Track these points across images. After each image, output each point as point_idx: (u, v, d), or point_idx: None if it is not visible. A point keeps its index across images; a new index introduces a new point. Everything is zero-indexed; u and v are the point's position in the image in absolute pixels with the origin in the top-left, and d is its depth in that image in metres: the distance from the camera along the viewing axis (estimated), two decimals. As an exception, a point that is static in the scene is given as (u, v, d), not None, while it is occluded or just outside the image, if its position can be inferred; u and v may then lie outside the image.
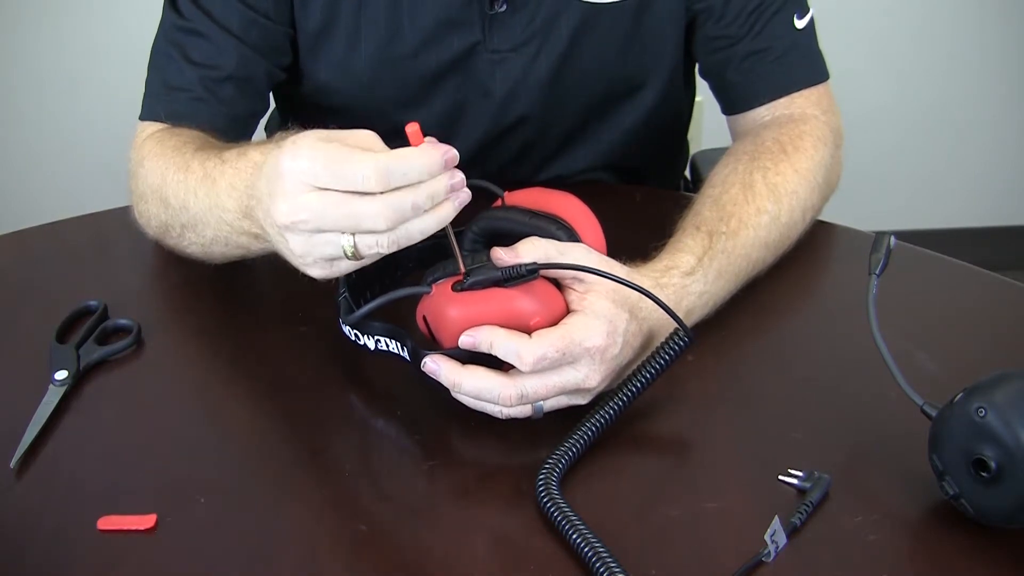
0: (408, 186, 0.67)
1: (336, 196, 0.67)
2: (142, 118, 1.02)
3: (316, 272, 0.73)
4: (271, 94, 1.12)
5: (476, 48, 1.03)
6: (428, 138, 0.69)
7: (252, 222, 0.79)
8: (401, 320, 0.77)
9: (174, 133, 0.97)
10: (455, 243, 0.73)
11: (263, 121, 1.21)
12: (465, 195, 0.70)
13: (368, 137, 0.70)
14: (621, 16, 1.03)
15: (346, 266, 0.72)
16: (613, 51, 1.05)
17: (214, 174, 0.84)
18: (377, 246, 0.68)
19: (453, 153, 0.68)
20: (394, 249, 0.69)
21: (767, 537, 0.65)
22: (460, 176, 0.69)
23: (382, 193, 0.66)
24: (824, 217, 1.00)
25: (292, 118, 1.15)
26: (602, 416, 0.74)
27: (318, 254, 0.70)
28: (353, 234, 0.68)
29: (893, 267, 0.76)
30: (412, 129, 0.69)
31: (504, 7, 1.01)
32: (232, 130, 1.00)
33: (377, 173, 0.66)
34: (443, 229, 0.72)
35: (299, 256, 0.72)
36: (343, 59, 1.03)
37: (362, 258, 0.70)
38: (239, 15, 1.00)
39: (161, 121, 1.00)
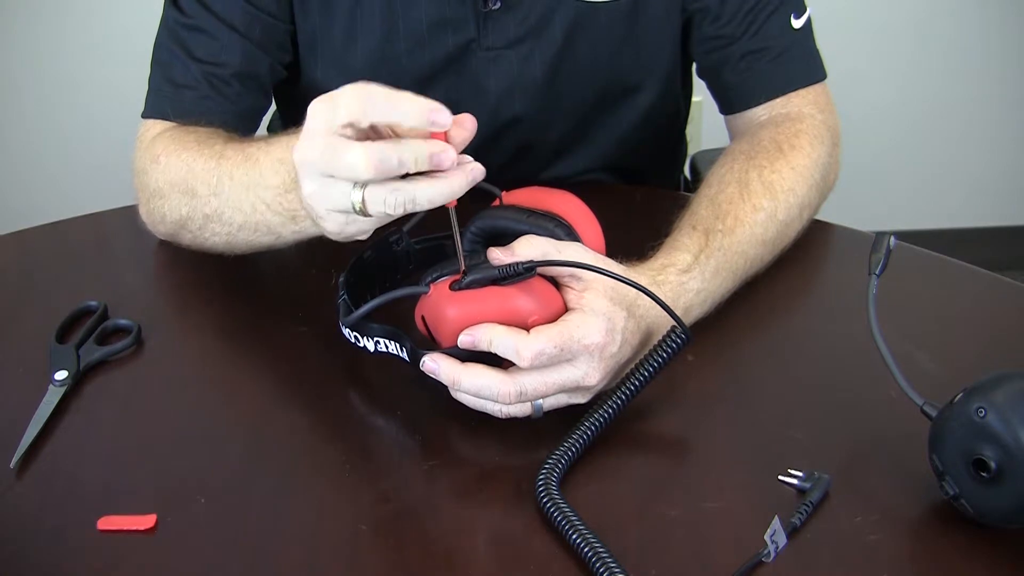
0: (395, 141, 0.67)
1: (335, 140, 0.67)
2: (145, 115, 1.02)
3: (332, 227, 0.72)
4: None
5: (470, 46, 1.03)
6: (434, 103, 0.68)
7: (293, 197, 0.79)
8: (400, 321, 0.77)
9: (189, 130, 0.97)
10: (459, 240, 0.73)
11: (266, 121, 1.21)
12: (478, 171, 0.69)
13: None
14: (616, 15, 1.03)
15: (359, 225, 0.71)
16: (608, 50, 1.05)
17: (258, 155, 0.85)
18: (384, 204, 0.68)
19: (445, 115, 0.67)
20: (400, 212, 0.68)
21: (767, 537, 0.65)
22: (456, 153, 0.68)
23: (372, 143, 0.66)
24: (823, 217, 1.00)
25: (292, 117, 1.15)
26: (601, 415, 0.74)
27: (330, 203, 0.70)
28: (362, 188, 0.68)
29: (893, 267, 0.76)
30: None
31: (498, 5, 1.01)
32: (238, 126, 1.00)
33: (357, 99, 0.66)
34: (449, 226, 0.72)
35: (312, 200, 0.71)
36: (340, 57, 1.03)
37: (370, 215, 0.69)
38: (242, 11, 1.00)
39: (167, 119, 1.00)
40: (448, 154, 0.68)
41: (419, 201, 0.68)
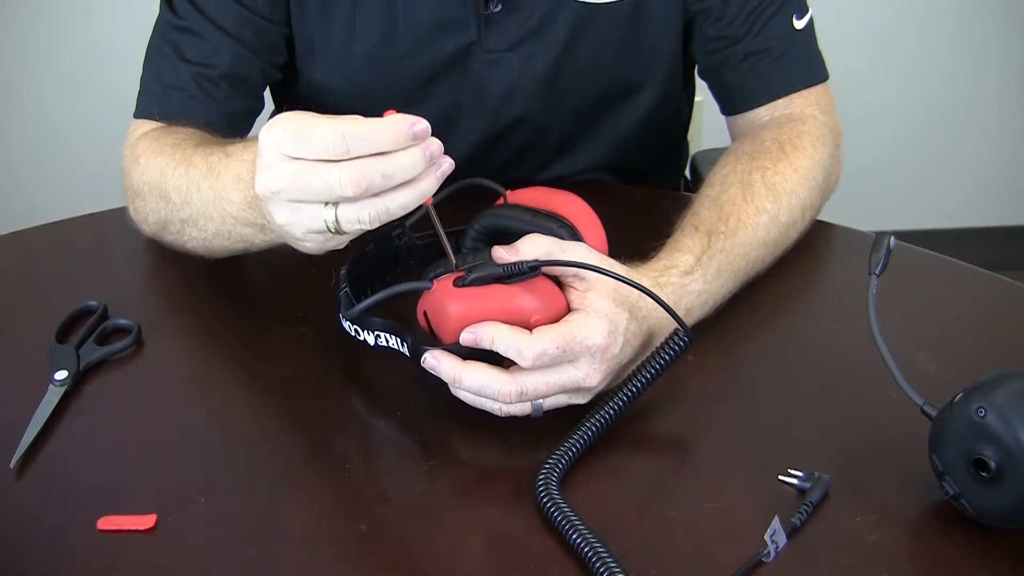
0: (377, 155, 0.66)
1: (307, 164, 0.67)
2: (136, 115, 1.02)
3: (311, 247, 0.73)
4: (270, 94, 1.12)
5: (471, 48, 1.03)
6: (397, 113, 0.68)
7: (257, 212, 0.79)
8: (402, 316, 0.77)
9: (169, 131, 0.97)
10: (444, 238, 0.73)
11: (264, 122, 1.21)
12: (447, 165, 0.69)
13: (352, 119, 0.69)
14: (618, 16, 1.03)
15: (337, 241, 0.72)
16: (610, 51, 1.05)
17: (218, 168, 0.84)
18: (359, 222, 0.67)
19: (423, 124, 0.67)
20: (376, 225, 0.68)
21: (767, 537, 0.65)
22: (436, 145, 0.68)
23: (350, 160, 0.66)
24: (824, 217, 1.00)
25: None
26: (602, 416, 0.74)
27: (304, 226, 0.70)
28: (334, 207, 0.67)
29: (893, 267, 0.76)
30: (389, 115, 0.68)
31: (499, 7, 1.01)
32: (227, 128, 1.00)
33: (336, 135, 0.65)
34: (430, 221, 0.71)
35: (288, 228, 0.71)
36: (339, 59, 1.03)
37: (345, 233, 0.69)
38: (234, 14, 1.00)
39: (155, 119, 1.00)
40: (439, 147, 0.67)
41: (392, 211, 0.68)
